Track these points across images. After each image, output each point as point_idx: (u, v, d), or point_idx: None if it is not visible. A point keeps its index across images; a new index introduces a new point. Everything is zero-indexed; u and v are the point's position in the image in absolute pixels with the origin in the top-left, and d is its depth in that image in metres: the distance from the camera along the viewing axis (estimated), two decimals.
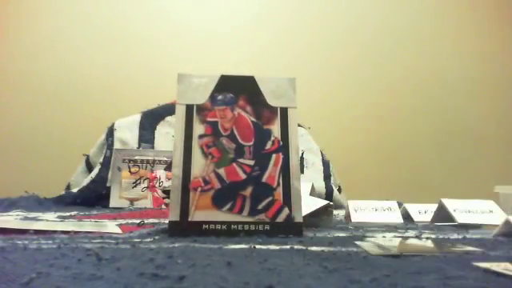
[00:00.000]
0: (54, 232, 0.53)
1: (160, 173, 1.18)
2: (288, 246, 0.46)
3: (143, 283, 0.29)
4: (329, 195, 1.24)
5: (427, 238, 0.56)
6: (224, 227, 0.55)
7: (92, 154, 1.29)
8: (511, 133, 1.97)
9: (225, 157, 0.59)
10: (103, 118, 1.35)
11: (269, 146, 0.60)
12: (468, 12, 2.07)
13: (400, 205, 0.87)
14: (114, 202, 1.13)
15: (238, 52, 1.91)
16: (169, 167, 1.18)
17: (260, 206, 0.56)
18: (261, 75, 0.63)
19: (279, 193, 0.57)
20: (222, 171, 0.58)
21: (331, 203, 0.73)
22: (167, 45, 1.89)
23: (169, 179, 1.15)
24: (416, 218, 0.83)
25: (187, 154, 0.58)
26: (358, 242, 0.50)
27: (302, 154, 1.32)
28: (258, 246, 0.46)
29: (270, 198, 0.57)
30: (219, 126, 0.60)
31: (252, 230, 0.55)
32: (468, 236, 0.59)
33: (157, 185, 1.16)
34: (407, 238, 0.57)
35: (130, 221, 0.74)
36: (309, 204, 0.69)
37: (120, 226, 0.64)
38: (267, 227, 0.56)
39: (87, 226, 0.62)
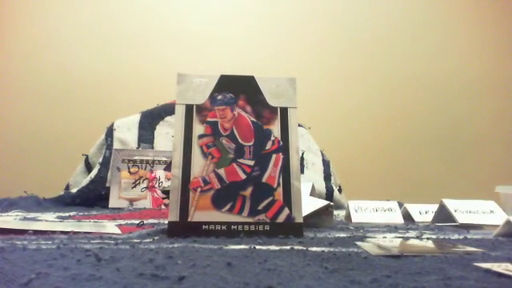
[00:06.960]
0: (54, 232, 0.53)
1: (159, 173, 1.18)
2: (288, 247, 0.46)
3: (143, 284, 0.29)
4: (329, 195, 1.24)
5: (428, 239, 0.56)
6: (224, 228, 0.55)
7: (91, 154, 1.28)
8: None
9: (225, 157, 0.59)
10: (102, 118, 1.35)
11: (269, 146, 0.60)
12: (466, 12, 2.07)
13: (401, 205, 0.87)
14: (114, 202, 1.13)
15: (238, 52, 1.91)
16: (168, 167, 1.17)
17: (260, 207, 0.56)
18: (261, 75, 0.63)
19: (279, 193, 0.57)
20: (221, 171, 0.58)
21: (332, 203, 0.72)
22: (167, 44, 1.89)
23: (168, 179, 1.15)
24: (417, 218, 0.82)
25: (187, 154, 0.58)
26: (358, 243, 0.50)
27: (302, 154, 1.32)
28: (257, 247, 0.46)
29: (270, 199, 0.57)
30: (219, 125, 0.60)
31: (252, 230, 0.55)
32: (469, 236, 0.59)
33: (156, 185, 1.16)
34: (408, 238, 0.57)
35: (129, 221, 0.74)
36: (309, 204, 0.69)
37: (119, 226, 0.64)
38: (267, 227, 0.55)
39: (86, 226, 0.62)
